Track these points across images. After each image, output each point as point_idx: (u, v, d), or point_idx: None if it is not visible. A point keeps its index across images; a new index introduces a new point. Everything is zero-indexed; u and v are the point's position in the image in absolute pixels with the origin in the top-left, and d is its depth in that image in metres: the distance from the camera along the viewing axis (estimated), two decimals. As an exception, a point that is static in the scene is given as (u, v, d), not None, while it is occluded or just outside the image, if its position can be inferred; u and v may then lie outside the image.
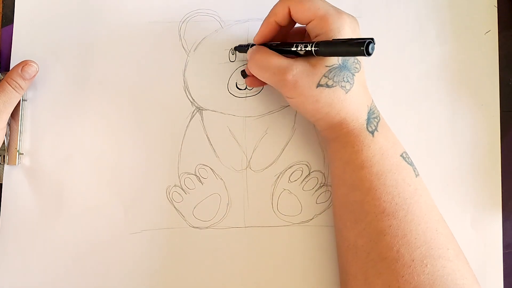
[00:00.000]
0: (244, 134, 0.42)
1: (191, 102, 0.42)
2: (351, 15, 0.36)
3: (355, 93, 0.35)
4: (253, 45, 0.39)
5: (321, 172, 0.42)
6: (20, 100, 0.41)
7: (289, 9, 0.36)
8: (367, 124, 0.36)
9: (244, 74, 0.42)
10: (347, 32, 0.34)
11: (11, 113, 0.41)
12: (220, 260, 0.41)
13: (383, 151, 0.35)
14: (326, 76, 0.34)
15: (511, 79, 0.43)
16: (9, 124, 0.41)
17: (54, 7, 0.43)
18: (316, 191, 0.42)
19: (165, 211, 0.41)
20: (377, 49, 0.43)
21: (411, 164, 0.36)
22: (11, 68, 0.41)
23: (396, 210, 0.34)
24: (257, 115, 0.42)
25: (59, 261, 0.41)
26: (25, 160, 0.42)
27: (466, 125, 0.43)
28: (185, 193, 0.41)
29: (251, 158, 0.42)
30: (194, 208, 0.41)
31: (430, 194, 0.36)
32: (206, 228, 0.41)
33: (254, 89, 0.42)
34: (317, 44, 0.33)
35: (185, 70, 0.42)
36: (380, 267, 0.33)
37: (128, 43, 0.42)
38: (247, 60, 0.39)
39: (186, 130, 0.42)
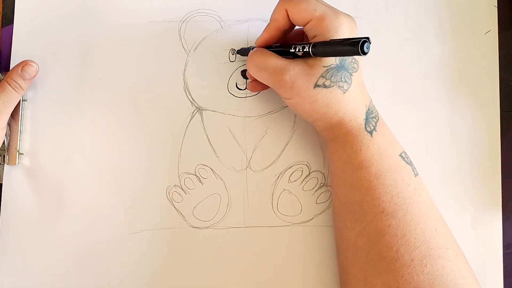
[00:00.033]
0: (244, 134, 0.42)
1: (191, 102, 0.42)
2: (349, 15, 0.36)
3: (353, 93, 0.35)
4: (254, 47, 0.39)
5: (321, 172, 0.42)
6: (20, 100, 0.41)
7: (287, 12, 0.36)
8: (365, 124, 0.36)
9: (244, 74, 0.42)
10: (344, 32, 0.34)
11: (11, 113, 0.41)
12: (220, 260, 0.41)
13: (382, 151, 0.35)
14: (323, 77, 0.34)
15: (511, 79, 0.44)
16: (9, 124, 0.42)
17: (54, 7, 0.43)
18: (316, 191, 0.42)
19: (165, 211, 0.41)
20: (376, 48, 0.43)
21: (410, 163, 0.36)
22: (11, 68, 0.41)
23: (395, 210, 0.34)
24: (257, 115, 0.42)
25: (59, 261, 0.41)
26: (25, 160, 0.42)
27: (466, 124, 0.43)
28: (185, 193, 0.42)
29: (251, 158, 0.42)
30: (194, 208, 0.42)
31: (429, 194, 0.36)
32: (206, 228, 0.41)
33: (255, 89, 0.42)
34: (314, 45, 0.34)
35: (185, 70, 0.43)
36: (380, 267, 0.33)
37: (128, 43, 0.43)
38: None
39: (186, 130, 0.42)
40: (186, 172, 0.42)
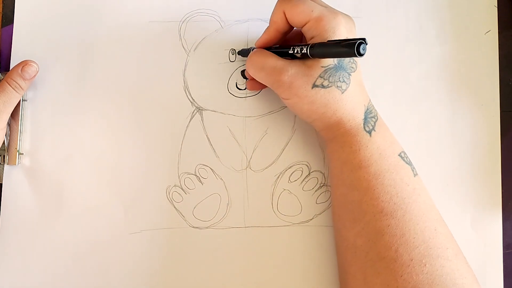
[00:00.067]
0: (244, 134, 0.43)
1: (191, 102, 0.43)
2: (347, 15, 0.36)
3: (351, 93, 0.36)
4: (254, 48, 0.40)
5: (321, 172, 0.42)
6: (20, 100, 0.41)
7: (285, 14, 0.36)
8: (364, 124, 0.36)
9: (244, 74, 0.42)
10: (342, 32, 0.35)
11: (11, 113, 0.41)
12: (220, 260, 0.41)
13: (381, 150, 0.36)
14: (321, 77, 0.35)
15: (511, 79, 0.44)
16: (9, 124, 0.42)
17: (54, 7, 0.43)
18: (316, 191, 0.42)
19: (165, 211, 0.42)
20: (377, 49, 0.44)
21: (409, 163, 0.37)
22: (11, 68, 0.42)
23: (394, 210, 0.34)
24: (257, 115, 0.43)
25: (59, 261, 0.41)
26: (25, 160, 0.42)
27: (466, 125, 0.43)
28: (185, 193, 0.42)
29: (251, 158, 0.42)
30: (194, 208, 0.42)
31: (429, 194, 0.36)
32: (206, 228, 0.42)
33: (255, 89, 0.43)
34: (312, 46, 0.34)
35: (185, 70, 0.43)
36: (379, 266, 0.33)
37: (128, 43, 0.43)
38: (247, 61, 0.40)
39: (186, 130, 0.42)
40: (186, 172, 0.42)
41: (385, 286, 0.33)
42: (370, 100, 0.37)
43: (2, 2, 0.43)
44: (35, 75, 0.41)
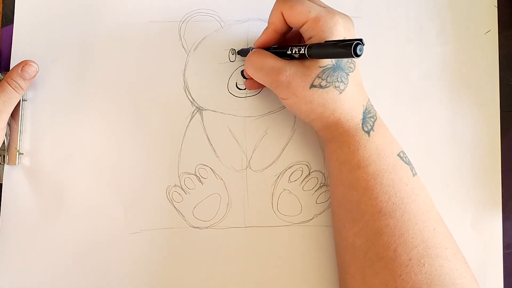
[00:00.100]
0: (244, 134, 0.43)
1: (191, 102, 0.43)
2: (345, 15, 0.36)
3: (349, 93, 0.36)
4: (253, 48, 0.40)
5: (321, 172, 0.43)
6: (20, 100, 0.42)
7: (283, 15, 0.37)
8: (362, 124, 0.36)
9: (244, 74, 0.43)
10: (340, 32, 0.35)
11: (11, 113, 0.41)
12: (220, 260, 0.42)
13: (380, 150, 0.36)
14: (319, 77, 0.35)
15: (511, 79, 0.44)
16: (9, 124, 0.42)
17: (54, 7, 0.43)
18: (316, 191, 0.43)
19: (165, 211, 0.42)
20: (378, 49, 0.44)
21: (408, 163, 0.37)
22: (11, 68, 0.42)
23: (393, 210, 0.34)
24: (257, 115, 0.43)
25: (59, 261, 0.41)
26: (25, 160, 0.42)
27: (466, 125, 0.44)
28: (185, 193, 0.42)
29: (251, 158, 0.43)
30: (194, 208, 0.42)
31: (428, 194, 0.37)
32: (206, 228, 0.42)
33: (254, 89, 0.43)
34: (309, 47, 0.34)
35: (185, 70, 0.43)
36: (378, 266, 0.34)
37: (128, 43, 0.43)
38: (247, 61, 0.40)
39: (186, 130, 0.43)
40: (186, 172, 0.42)
41: (384, 286, 0.33)
42: (369, 100, 0.38)
43: (2, 2, 0.43)
44: (35, 75, 0.41)
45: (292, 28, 0.38)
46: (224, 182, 0.42)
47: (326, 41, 0.34)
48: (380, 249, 0.34)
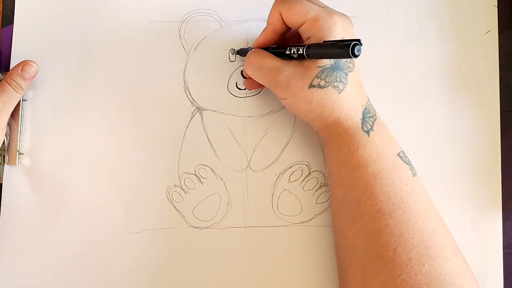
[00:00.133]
0: (244, 134, 0.43)
1: (191, 102, 0.43)
2: (344, 15, 0.36)
3: (348, 92, 0.36)
4: (252, 48, 0.40)
5: (321, 172, 0.43)
6: (20, 100, 0.42)
7: (281, 15, 0.37)
8: (362, 124, 0.36)
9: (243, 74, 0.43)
10: (338, 32, 0.35)
11: (11, 113, 0.41)
12: (220, 260, 0.42)
13: (379, 150, 0.36)
14: (318, 77, 0.35)
15: (511, 79, 0.44)
16: (9, 124, 0.42)
17: (54, 7, 0.43)
18: (316, 191, 0.43)
19: (165, 211, 0.42)
20: (377, 49, 0.44)
21: (408, 163, 0.37)
22: (11, 68, 0.42)
23: (393, 210, 0.34)
24: (257, 115, 0.43)
25: (59, 261, 0.41)
26: (25, 160, 0.42)
27: (466, 125, 0.44)
28: (185, 193, 0.42)
29: (251, 158, 0.43)
30: (194, 208, 0.42)
31: (428, 193, 0.37)
32: (206, 228, 0.42)
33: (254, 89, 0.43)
34: (308, 47, 0.34)
35: (185, 70, 0.43)
36: (377, 266, 0.34)
37: (128, 43, 0.43)
38: (247, 61, 0.40)
39: (186, 130, 0.43)
40: (186, 172, 0.42)
41: (384, 286, 0.33)
42: (368, 100, 0.38)
43: (2, 2, 0.43)
44: (35, 75, 0.41)
45: (290, 28, 0.38)
46: (224, 182, 0.42)
47: (324, 41, 0.34)
48: (380, 249, 0.34)
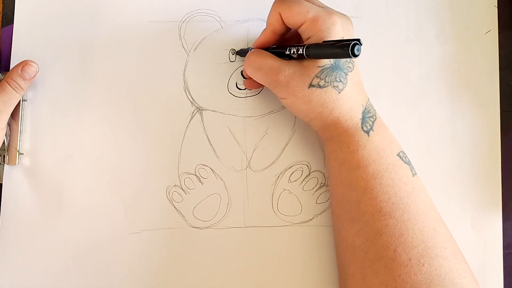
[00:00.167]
0: (244, 134, 0.43)
1: (191, 102, 0.43)
2: (344, 15, 0.37)
3: (348, 92, 0.36)
4: (252, 48, 0.40)
5: (321, 172, 0.43)
6: (20, 100, 0.42)
7: (281, 16, 0.37)
8: (362, 124, 0.37)
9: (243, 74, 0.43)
10: (338, 32, 0.35)
11: (11, 113, 0.41)
12: (220, 260, 0.42)
13: (379, 150, 0.36)
14: (318, 77, 0.35)
15: (511, 79, 0.44)
16: (9, 124, 0.42)
17: (54, 7, 0.43)
18: (316, 191, 0.43)
19: (165, 211, 0.42)
20: (377, 49, 0.44)
21: (408, 163, 0.37)
22: (11, 68, 0.42)
23: (393, 210, 0.34)
24: (257, 115, 0.43)
25: (59, 261, 0.41)
26: (25, 160, 0.43)
27: (466, 125, 0.44)
28: (185, 193, 0.42)
29: (251, 158, 0.43)
30: (194, 208, 0.42)
31: (428, 193, 0.37)
32: (206, 228, 0.42)
33: (254, 89, 0.43)
34: (308, 47, 0.34)
35: (185, 70, 0.43)
36: (377, 266, 0.34)
37: (128, 43, 0.43)
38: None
39: (186, 130, 0.43)
40: (186, 172, 0.43)
41: (383, 286, 0.33)
42: (368, 100, 0.38)
43: (2, 2, 0.44)
44: (35, 75, 0.41)
45: (290, 29, 0.39)
46: (224, 182, 0.43)
47: (324, 41, 0.34)
48: (379, 249, 0.34)
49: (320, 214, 0.43)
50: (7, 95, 0.40)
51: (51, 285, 0.41)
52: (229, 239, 0.42)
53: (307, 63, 0.36)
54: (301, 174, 0.43)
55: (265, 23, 0.39)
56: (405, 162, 0.37)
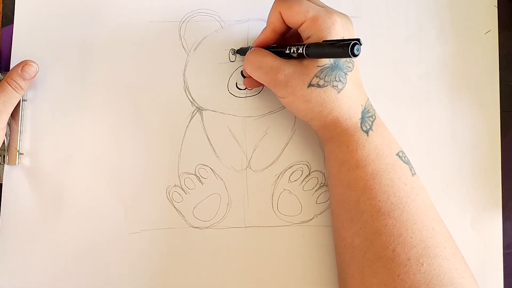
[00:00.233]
0: (244, 134, 0.43)
1: (191, 102, 0.43)
2: (344, 14, 0.37)
3: (348, 92, 0.36)
4: (252, 47, 0.40)
5: (321, 172, 0.43)
6: (20, 100, 0.42)
7: (281, 15, 0.37)
8: (361, 123, 0.37)
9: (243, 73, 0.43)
10: (338, 31, 0.35)
11: (11, 113, 0.42)
12: (220, 260, 0.42)
13: (379, 150, 0.36)
14: (317, 76, 0.35)
15: (511, 79, 0.45)
16: (9, 124, 0.42)
17: (54, 7, 0.44)
18: (316, 191, 0.43)
19: (165, 211, 0.42)
20: (377, 49, 0.44)
21: (407, 163, 0.37)
22: (11, 68, 0.42)
23: (392, 209, 0.35)
24: (257, 115, 0.43)
25: (59, 261, 0.42)
26: (25, 160, 0.43)
27: (466, 125, 0.44)
28: (185, 193, 0.43)
29: (251, 158, 0.43)
30: (194, 208, 0.42)
31: (427, 193, 0.37)
32: (206, 228, 0.42)
33: (254, 89, 0.43)
34: (307, 47, 0.35)
35: (185, 70, 0.44)
36: (376, 266, 0.34)
37: (128, 43, 0.43)
38: (247, 61, 0.40)
39: (186, 130, 0.43)
40: (186, 172, 0.43)
41: (383, 285, 0.33)
42: (368, 100, 0.38)
43: (2, 2, 0.44)
44: (35, 75, 0.41)
45: (290, 28, 0.39)
46: (224, 182, 0.43)
47: (324, 41, 0.34)
48: (378, 249, 0.34)
49: (320, 214, 0.43)
50: (7, 95, 0.40)
51: (51, 285, 0.42)
52: (229, 239, 0.42)
53: (306, 62, 0.36)
54: (301, 174, 0.43)
55: (265, 23, 0.39)
56: (404, 162, 0.37)
